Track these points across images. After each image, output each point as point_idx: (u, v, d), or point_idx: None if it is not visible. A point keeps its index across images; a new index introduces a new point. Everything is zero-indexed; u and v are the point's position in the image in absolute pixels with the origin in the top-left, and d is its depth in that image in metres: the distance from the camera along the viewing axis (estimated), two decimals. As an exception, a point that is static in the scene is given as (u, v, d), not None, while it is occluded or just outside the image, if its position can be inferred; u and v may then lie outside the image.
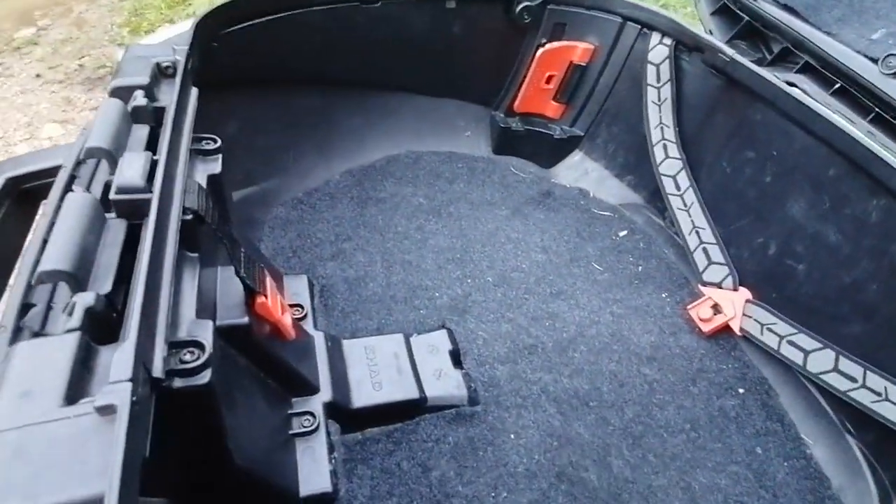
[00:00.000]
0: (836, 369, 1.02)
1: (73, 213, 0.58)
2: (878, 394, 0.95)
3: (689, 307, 1.25)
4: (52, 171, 0.70)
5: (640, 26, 1.47)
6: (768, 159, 1.21)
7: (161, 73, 0.87)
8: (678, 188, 1.37)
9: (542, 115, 1.66)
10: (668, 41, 1.42)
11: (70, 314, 0.51)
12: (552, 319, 1.21)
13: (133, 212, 0.62)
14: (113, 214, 0.63)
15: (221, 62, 1.09)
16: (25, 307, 0.54)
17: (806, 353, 1.07)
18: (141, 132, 0.75)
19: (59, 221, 0.58)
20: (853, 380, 0.99)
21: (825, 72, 1.20)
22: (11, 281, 0.65)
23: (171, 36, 0.98)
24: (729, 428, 1.05)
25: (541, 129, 1.65)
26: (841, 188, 1.07)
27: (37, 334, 0.52)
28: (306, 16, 1.26)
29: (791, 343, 1.10)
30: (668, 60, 1.42)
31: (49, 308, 0.54)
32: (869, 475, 0.97)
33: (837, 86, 1.17)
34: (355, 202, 1.43)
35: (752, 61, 1.27)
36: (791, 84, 1.21)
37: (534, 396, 1.04)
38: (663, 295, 1.30)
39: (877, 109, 1.08)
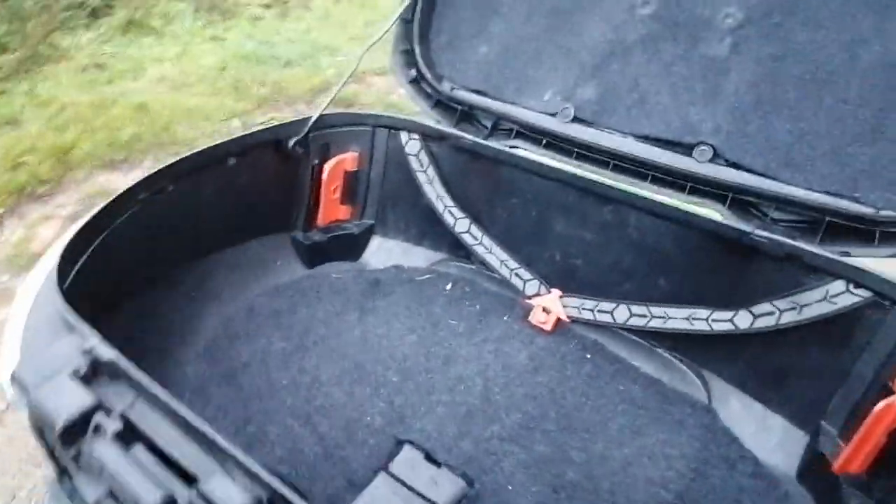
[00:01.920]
0: (631, 315, 1.56)
1: None
2: (661, 318, 1.51)
3: (528, 319, 1.67)
4: None
5: (387, 129, 1.82)
6: (528, 200, 1.69)
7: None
8: (475, 238, 1.77)
9: (338, 220, 1.87)
10: (415, 136, 1.80)
11: None
12: (456, 381, 1.47)
13: None
14: None
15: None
16: None
17: (610, 312, 1.60)
18: None
19: None
20: (643, 316, 1.55)
21: (525, 130, 1.73)
22: None
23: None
24: (587, 369, 1.50)
25: (340, 232, 1.87)
26: (581, 206, 1.60)
27: None
28: None
29: (600, 311, 1.61)
30: (422, 150, 1.80)
31: None
32: (694, 377, 1.52)
33: (539, 138, 1.70)
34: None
35: (477, 136, 1.74)
36: (513, 147, 1.71)
37: (496, 445, 1.30)
38: (505, 318, 1.69)
39: (573, 149, 1.63)
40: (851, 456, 1.19)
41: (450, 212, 1.79)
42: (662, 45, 1.51)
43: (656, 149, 1.50)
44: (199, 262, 1.56)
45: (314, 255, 1.82)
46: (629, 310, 1.55)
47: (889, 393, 1.16)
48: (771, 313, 1.35)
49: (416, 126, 1.79)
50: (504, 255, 1.74)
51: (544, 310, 1.65)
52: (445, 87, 1.81)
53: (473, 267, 1.84)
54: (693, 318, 1.46)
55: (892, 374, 1.18)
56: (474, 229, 1.77)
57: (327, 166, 1.75)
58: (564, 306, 1.64)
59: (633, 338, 1.58)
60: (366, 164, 1.85)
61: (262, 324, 1.57)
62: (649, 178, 1.51)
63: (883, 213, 1.27)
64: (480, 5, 1.73)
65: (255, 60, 4.69)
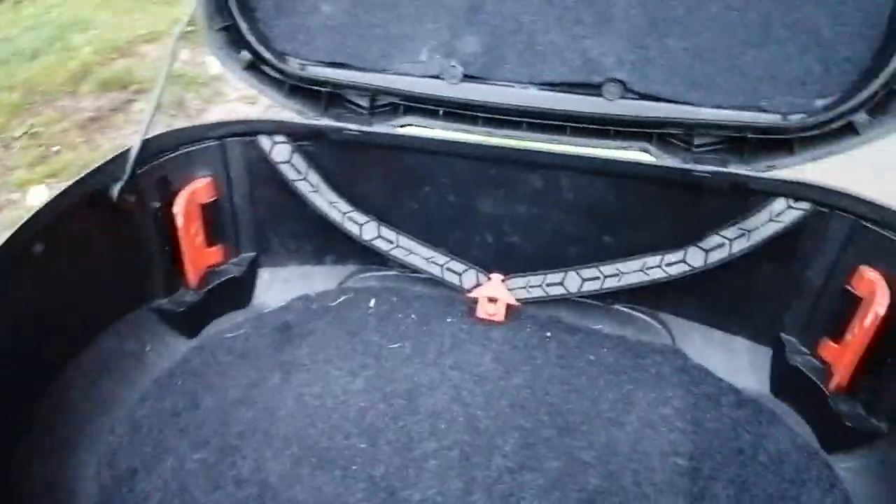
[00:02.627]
0: (584, 280, 1.44)
1: None
2: (615, 276, 1.41)
3: (476, 314, 1.48)
4: None
5: (241, 137, 1.41)
6: (442, 184, 1.44)
7: None
8: (390, 241, 1.50)
9: (210, 267, 1.46)
10: (280, 138, 1.42)
11: None
12: (433, 419, 1.24)
13: None
14: None
15: None
16: None
17: (560, 283, 1.46)
18: None
19: None
20: (596, 278, 1.44)
21: (412, 103, 1.45)
22: None
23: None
24: (553, 349, 1.39)
25: (218, 281, 1.46)
26: (505, 178, 1.39)
27: None
28: None
29: (549, 284, 1.47)
30: (294, 154, 1.43)
31: None
32: (654, 322, 1.47)
33: (433, 109, 1.43)
34: None
35: (359, 123, 1.42)
36: (406, 125, 1.43)
37: (509, 481, 1.13)
38: (450, 321, 1.48)
39: (476, 113, 1.39)
40: (835, 365, 1.23)
41: (350, 218, 1.48)
42: None
43: (563, 95, 1.34)
44: (47, 390, 1.10)
45: (193, 321, 1.42)
46: (579, 276, 1.43)
47: (852, 297, 1.19)
48: (722, 245, 1.32)
49: (276, 126, 1.41)
50: (429, 252, 1.50)
51: (490, 300, 1.47)
52: (293, 65, 1.43)
53: (394, 272, 1.58)
54: (647, 269, 1.38)
55: (849, 277, 1.21)
56: (385, 231, 1.49)
57: (176, 206, 1.32)
58: (510, 289, 1.47)
59: (587, 301, 1.48)
60: (224, 189, 1.44)
61: (157, 440, 1.18)
62: (567, 129, 1.35)
63: (791, 118, 1.26)
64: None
65: (-5, 64, 3.61)
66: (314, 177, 1.45)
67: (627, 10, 1.29)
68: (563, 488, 1.13)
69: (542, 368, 1.36)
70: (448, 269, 1.50)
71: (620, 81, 1.32)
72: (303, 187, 1.45)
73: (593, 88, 1.33)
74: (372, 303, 1.53)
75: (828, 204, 1.23)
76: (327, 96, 1.44)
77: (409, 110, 1.42)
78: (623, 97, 1.32)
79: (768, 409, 1.29)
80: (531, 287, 1.47)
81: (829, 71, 1.23)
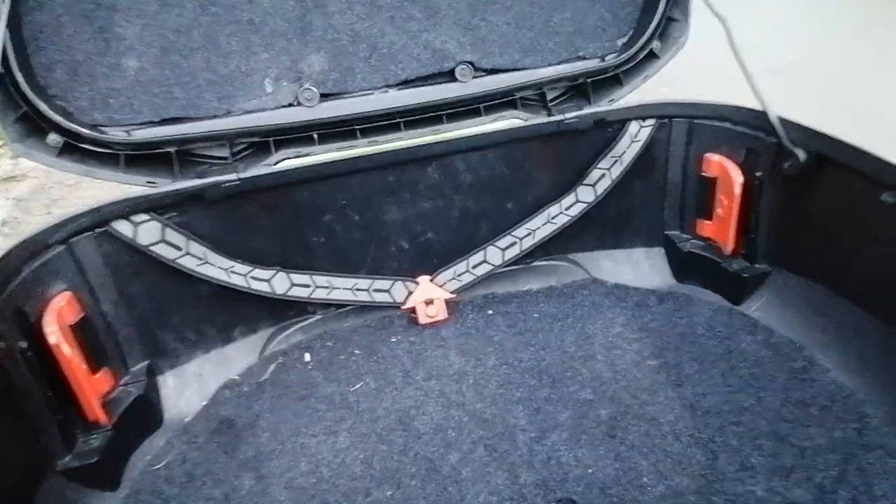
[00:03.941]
0: (503, 250, 1.49)
1: None
2: (528, 235, 1.49)
3: (420, 323, 1.43)
4: None
5: (92, 230, 1.16)
6: (343, 207, 1.36)
7: None
8: (308, 286, 1.36)
9: (106, 394, 1.17)
10: (141, 217, 1.20)
11: None
12: (431, 461, 1.14)
13: None
14: None
15: None
16: None
17: (483, 261, 1.48)
18: None
19: None
20: (513, 244, 1.49)
21: (278, 136, 1.34)
22: None
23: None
24: (505, 328, 1.43)
25: (119, 409, 1.18)
26: (404, 180, 1.38)
27: None
28: None
29: (474, 266, 1.48)
30: (167, 229, 1.23)
31: None
32: (568, 264, 1.58)
33: (304, 136, 1.35)
34: None
35: (226, 172, 1.27)
36: (283, 160, 1.32)
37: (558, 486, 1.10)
38: (394, 339, 1.41)
39: (353, 127, 1.34)
40: (716, 237, 1.47)
41: (254, 278, 1.32)
42: None
43: (423, 88, 1.39)
44: None
45: (109, 468, 1.13)
46: (497, 248, 1.49)
47: (707, 179, 1.45)
48: (603, 176, 1.49)
49: (132, 204, 1.19)
50: (350, 281, 1.41)
51: (427, 302, 1.44)
52: (117, 134, 1.23)
53: (318, 316, 1.45)
54: (552, 218, 1.49)
55: (699, 165, 1.47)
56: (298, 277, 1.36)
57: (49, 334, 1.03)
58: (441, 285, 1.46)
59: (510, 268, 1.54)
60: (88, 300, 1.17)
61: None
62: (443, 118, 1.40)
63: (608, 59, 1.48)
64: (81, 10, 1.15)
65: None
66: (197, 247, 1.26)
67: None
68: (585, 430, 1.16)
69: (503, 342, 1.39)
70: (375, 291, 1.43)
71: (469, 62, 1.41)
72: (188, 263, 1.25)
73: (448, 75, 1.40)
74: (307, 357, 1.39)
75: (666, 115, 1.46)
76: (177, 156, 1.26)
77: (279, 144, 1.32)
78: (475, 76, 1.41)
79: (682, 293, 1.50)
80: (459, 276, 1.48)
81: (618, 15, 1.47)
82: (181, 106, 1.26)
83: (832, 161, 1.19)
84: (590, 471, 1.06)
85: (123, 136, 1.23)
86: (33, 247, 1.07)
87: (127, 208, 1.18)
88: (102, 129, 1.22)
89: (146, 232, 1.21)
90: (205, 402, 1.29)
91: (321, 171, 1.30)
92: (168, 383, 1.31)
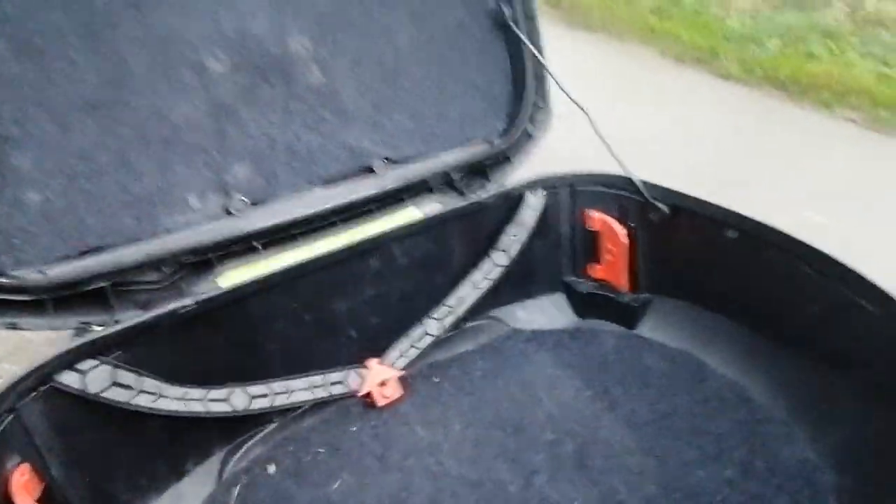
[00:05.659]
0: (440, 319, 1.61)
1: None
2: (459, 301, 1.64)
3: (378, 405, 1.49)
4: None
5: (36, 390, 1.04)
6: (292, 311, 1.39)
7: None
8: (266, 395, 1.36)
9: None
10: (90, 363, 1.11)
11: None
12: None
13: None
14: None
15: None
16: None
17: (425, 333, 1.58)
18: None
19: None
20: (450, 312, 1.63)
21: (217, 252, 1.33)
22: None
23: None
24: (453, 392, 1.56)
25: None
26: (345, 272, 1.45)
27: None
28: None
29: (418, 340, 1.58)
30: (119, 370, 1.15)
31: None
32: (492, 320, 1.76)
33: (242, 249, 1.35)
34: None
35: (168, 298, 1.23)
36: (221, 276, 1.31)
37: None
38: (354, 428, 1.44)
39: (292, 231, 1.41)
40: (609, 278, 1.77)
41: (212, 400, 1.28)
42: (259, 91, 1.40)
43: (348, 183, 1.50)
44: None
45: None
46: (435, 319, 1.62)
47: (591, 232, 1.75)
48: (512, 241, 1.69)
49: (75, 353, 1.10)
50: (305, 381, 1.43)
51: (381, 384, 1.51)
52: (30, 276, 1.14)
53: (274, 423, 1.43)
54: (477, 285, 1.66)
55: (583, 220, 1.76)
56: (255, 389, 1.35)
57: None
58: (392, 365, 1.55)
59: (446, 335, 1.67)
60: (42, 467, 1.05)
61: None
62: (374, 209, 1.52)
63: (496, 142, 1.73)
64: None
65: None
66: (151, 382, 1.19)
67: (354, 97, 1.51)
68: (560, 466, 1.30)
69: (460, 406, 1.51)
70: (332, 384, 1.47)
71: (385, 157, 1.56)
72: (143, 401, 1.18)
73: (365, 170, 1.53)
74: (272, 469, 1.37)
75: (554, 185, 1.74)
76: (112, 289, 1.19)
77: (221, 259, 1.31)
78: (392, 169, 1.56)
79: (588, 328, 1.77)
80: (404, 352, 1.58)
81: (493, 105, 1.74)
82: (97, 235, 1.21)
83: (686, 210, 1.55)
84: (576, 502, 1.23)
85: (39, 276, 1.14)
86: None
87: (72, 357, 1.09)
88: (12, 274, 1.11)
89: (95, 379, 1.12)
90: None
91: (273, 281, 1.32)
92: None
